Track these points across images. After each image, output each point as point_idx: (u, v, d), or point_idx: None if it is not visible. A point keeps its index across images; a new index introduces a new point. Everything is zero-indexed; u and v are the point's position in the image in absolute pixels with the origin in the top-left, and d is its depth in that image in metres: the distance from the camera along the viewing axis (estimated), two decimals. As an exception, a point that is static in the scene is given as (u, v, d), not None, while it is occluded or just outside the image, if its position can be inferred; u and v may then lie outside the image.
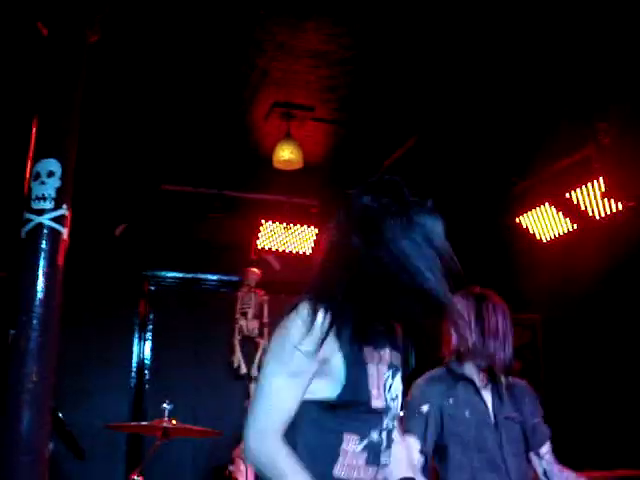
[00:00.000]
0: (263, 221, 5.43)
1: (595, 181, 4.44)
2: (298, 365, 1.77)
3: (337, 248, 1.94)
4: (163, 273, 5.72)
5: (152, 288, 5.68)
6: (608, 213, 4.55)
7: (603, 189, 4.17)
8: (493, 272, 6.24)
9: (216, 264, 5.78)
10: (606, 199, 4.36)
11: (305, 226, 5.54)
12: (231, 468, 4.34)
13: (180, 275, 5.75)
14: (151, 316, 5.61)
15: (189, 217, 5.61)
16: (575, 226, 4.97)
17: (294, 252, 5.62)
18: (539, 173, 5.09)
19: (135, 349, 5.50)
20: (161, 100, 4.51)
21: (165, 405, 3.60)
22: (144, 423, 3.94)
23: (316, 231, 5.54)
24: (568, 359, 6.37)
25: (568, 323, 6.42)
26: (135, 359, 5.49)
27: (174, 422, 3.63)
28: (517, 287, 6.25)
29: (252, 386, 5.51)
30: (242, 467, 4.18)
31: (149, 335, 5.56)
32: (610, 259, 5.65)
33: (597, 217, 4.69)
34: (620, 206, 4.35)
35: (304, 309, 1.83)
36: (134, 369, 5.47)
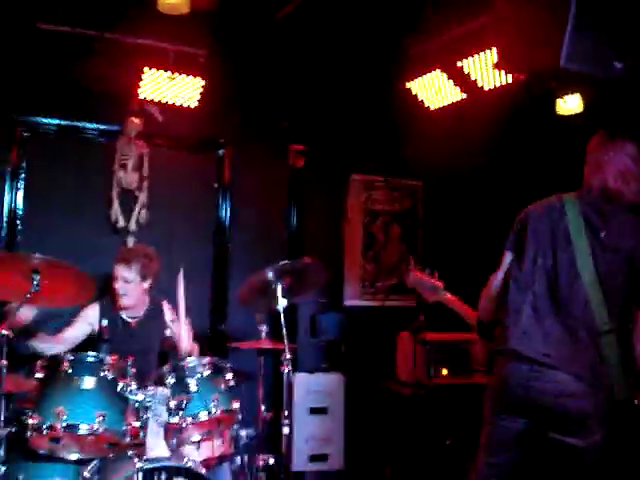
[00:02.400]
0: (146, 68, 5.13)
1: (488, 51, 4.41)
2: None
3: None
4: (38, 119, 5.36)
5: (25, 134, 5.33)
6: (497, 85, 4.56)
7: (495, 60, 4.15)
8: (379, 136, 6.28)
9: (95, 112, 5.46)
10: (497, 71, 4.36)
11: (191, 76, 5.28)
12: None
13: (56, 122, 5.40)
14: (24, 164, 5.29)
15: (66, 60, 5.24)
16: (464, 96, 4.97)
17: (178, 104, 5.38)
18: (433, 38, 5.01)
19: (6, 199, 5.20)
20: None
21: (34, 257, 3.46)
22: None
23: (202, 82, 5.30)
24: (446, 227, 6.58)
25: (449, 192, 6.58)
26: (6, 209, 5.20)
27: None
28: (402, 153, 6.34)
29: (129, 241, 5.40)
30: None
31: (21, 184, 5.26)
32: (495, 132, 5.76)
33: (486, 88, 4.70)
34: (510, 79, 4.36)
35: None
36: (4, 220, 5.19)
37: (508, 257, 3.25)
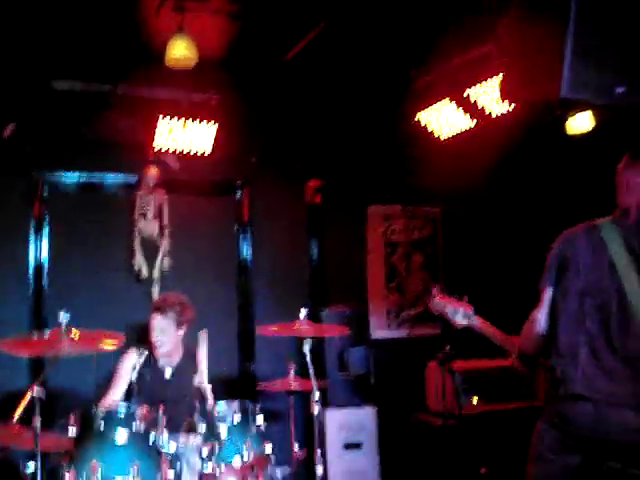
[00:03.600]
0: (160, 118, 5.23)
1: (494, 78, 4.46)
2: None
3: None
4: (57, 175, 5.48)
5: (46, 190, 5.45)
6: (505, 112, 4.59)
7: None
8: (394, 167, 6.32)
9: (113, 165, 5.57)
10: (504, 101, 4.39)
11: (205, 122, 5.37)
12: None
13: (76, 176, 5.52)
14: (47, 220, 5.40)
15: (82, 116, 5.36)
16: (473, 123, 5.00)
17: (193, 151, 5.46)
18: (439, 69, 5.07)
19: (32, 255, 5.31)
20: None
21: (62, 314, 3.51)
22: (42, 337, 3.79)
23: (216, 127, 5.39)
24: (467, 252, 6.59)
25: (467, 217, 6.60)
26: (32, 265, 5.31)
27: (74, 334, 3.56)
28: (417, 183, 6.38)
29: (154, 290, 5.47)
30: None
31: (45, 240, 5.36)
32: (508, 155, 5.79)
33: (494, 115, 4.74)
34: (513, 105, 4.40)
35: None
36: (31, 275, 5.30)
37: (549, 293, 3.18)
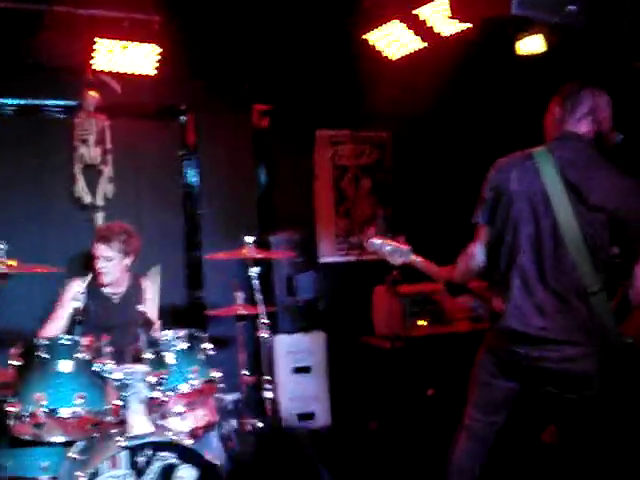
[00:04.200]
0: (97, 39, 5.01)
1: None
2: None
3: None
4: (-6, 100, 5.27)
5: (-19, 116, 5.23)
6: (455, 32, 4.50)
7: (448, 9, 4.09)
8: (342, 91, 6.21)
9: (52, 89, 5.34)
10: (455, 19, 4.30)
11: (146, 44, 5.17)
12: None
13: (13, 101, 5.30)
14: (-17, 147, 5.20)
15: (17, 37, 5.10)
16: (424, 44, 4.90)
17: (135, 73, 5.27)
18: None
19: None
20: None
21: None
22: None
23: (159, 49, 5.20)
24: (416, 177, 6.57)
25: (416, 141, 6.56)
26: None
27: (11, 263, 3.47)
28: (366, 106, 6.28)
29: (97, 217, 5.34)
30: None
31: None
32: (458, 77, 5.72)
33: (444, 35, 4.65)
34: (466, 25, 4.31)
35: None
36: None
37: (485, 227, 3.21)
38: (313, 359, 5.74)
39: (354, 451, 5.03)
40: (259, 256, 4.43)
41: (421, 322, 5.39)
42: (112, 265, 4.38)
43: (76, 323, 4.12)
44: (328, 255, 6.41)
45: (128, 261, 4.45)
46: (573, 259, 2.95)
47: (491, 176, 3.21)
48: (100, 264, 4.37)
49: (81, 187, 5.33)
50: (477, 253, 3.25)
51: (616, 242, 3.01)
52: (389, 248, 3.50)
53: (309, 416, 5.66)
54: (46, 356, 3.39)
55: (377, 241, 3.53)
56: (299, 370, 5.68)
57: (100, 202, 5.38)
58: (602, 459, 3.01)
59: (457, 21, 4.30)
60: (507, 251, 3.12)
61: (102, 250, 4.36)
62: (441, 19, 4.56)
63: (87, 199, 5.34)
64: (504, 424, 3.25)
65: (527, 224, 3.05)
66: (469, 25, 4.25)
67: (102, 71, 5.18)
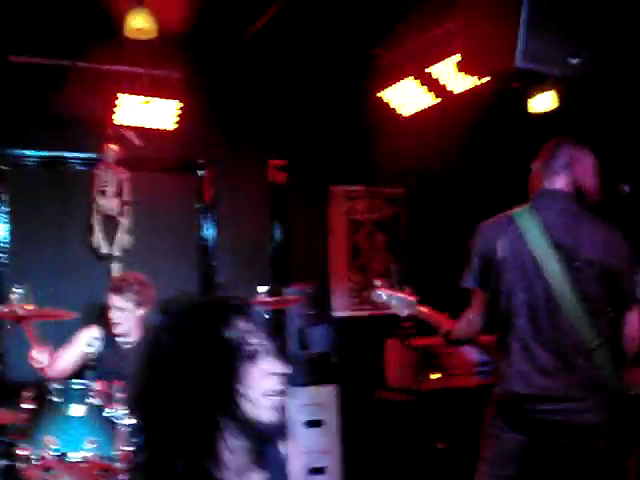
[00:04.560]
0: (120, 94, 5.17)
1: (454, 56, 4.46)
2: None
3: None
4: (17, 152, 5.40)
5: (5, 168, 5.36)
6: (466, 88, 4.60)
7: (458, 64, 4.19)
8: (357, 147, 6.32)
9: (74, 142, 5.48)
10: (463, 74, 4.40)
11: (166, 99, 5.32)
12: None
13: (35, 153, 5.45)
14: (6, 197, 5.32)
15: (41, 91, 5.27)
16: (436, 100, 5.01)
17: (155, 127, 5.41)
18: (402, 47, 5.06)
19: (-11, 232, 5.26)
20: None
21: (15, 290, 3.49)
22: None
23: (179, 104, 5.34)
24: (430, 232, 6.61)
25: (430, 196, 6.62)
26: (-10, 243, 5.25)
27: (27, 307, 3.54)
28: (380, 162, 6.38)
29: (114, 267, 5.42)
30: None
31: (5, 217, 5.29)
32: (471, 134, 5.81)
33: (456, 92, 4.75)
34: (476, 81, 4.41)
35: None
36: (-11, 253, 5.25)
37: (479, 293, 3.22)
38: (325, 413, 5.71)
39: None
40: (271, 304, 4.47)
41: (433, 375, 5.36)
42: (125, 316, 4.41)
43: (89, 369, 4.17)
44: (341, 309, 6.42)
45: (142, 311, 4.48)
46: (569, 318, 2.95)
47: (476, 242, 3.23)
48: (113, 314, 4.41)
49: (99, 237, 5.43)
50: (475, 320, 3.26)
51: (610, 298, 3.02)
52: (395, 299, 3.53)
53: (320, 471, 5.60)
54: (58, 400, 3.44)
55: (383, 292, 3.56)
56: (310, 424, 5.66)
57: (117, 252, 5.46)
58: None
59: (467, 76, 4.41)
60: (503, 316, 3.13)
61: (115, 300, 4.40)
62: (453, 76, 4.67)
63: (104, 249, 5.44)
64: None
65: (520, 291, 3.06)
66: (479, 81, 4.34)
67: (123, 125, 5.33)
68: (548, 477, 3.10)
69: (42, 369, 4.09)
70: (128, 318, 4.42)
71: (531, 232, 3.05)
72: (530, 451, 3.12)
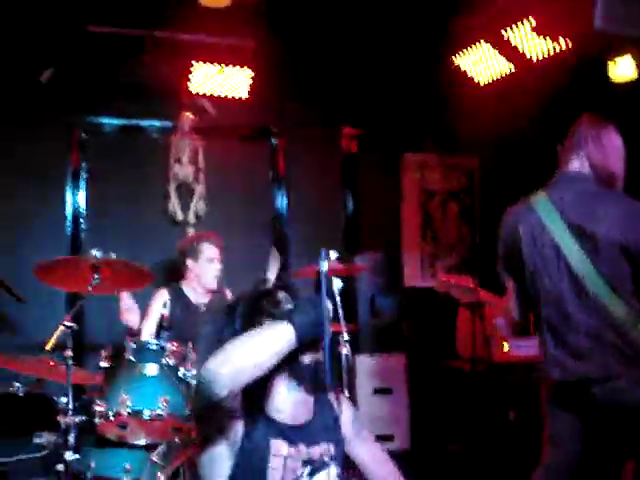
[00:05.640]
0: (194, 62, 5.23)
1: (531, 19, 4.34)
2: None
3: None
4: (94, 120, 5.54)
5: (83, 136, 5.50)
6: (544, 55, 4.47)
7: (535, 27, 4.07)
8: (431, 115, 6.24)
9: (150, 109, 5.60)
10: (542, 40, 4.27)
11: (240, 68, 5.36)
12: None
13: (112, 122, 5.57)
14: (84, 165, 5.47)
15: (118, 60, 5.37)
16: (513, 68, 4.89)
17: (229, 96, 5.46)
18: (478, 12, 4.95)
19: (69, 199, 5.40)
20: None
21: (94, 252, 3.58)
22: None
23: (252, 73, 5.37)
24: (505, 203, 6.48)
25: (505, 166, 6.49)
26: (70, 209, 5.40)
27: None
28: (455, 130, 6.27)
29: (189, 232, 5.52)
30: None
31: (83, 185, 5.45)
32: (549, 103, 5.65)
33: (534, 59, 4.62)
34: (555, 48, 4.28)
35: None
36: (69, 219, 5.40)
37: (511, 282, 3.19)
38: (394, 381, 5.73)
39: (433, 474, 4.98)
40: (342, 272, 4.48)
41: (505, 346, 5.30)
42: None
43: (163, 329, 4.28)
44: (413, 279, 6.39)
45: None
46: (596, 298, 2.87)
47: (502, 228, 3.22)
48: (220, 266, 4.63)
49: (174, 204, 5.54)
50: (514, 308, 3.23)
51: (636, 276, 2.92)
52: (456, 286, 3.54)
53: (388, 438, 5.63)
54: (133, 359, 3.54)
55: (444, 281, 3.58)
56: (379, 391, 5.68)
57: (192, 219, 5.57)
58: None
59: (547, 42, 4.28)
60: (532, 303, 3.09)
61: (219, 253, 4.63)
62: (531, 42, 4.54)
63: (179, 216, 5.54)
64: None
65: (544, 277, 2.99)
66: (557, 46, 4.22)
67: (198, 94, 5.40)
68: (608, 457, 3.05)
69: (131, 329, 4.27)
70: None
71: (549, 219, 2.98)
72: (585, 432, 3.05)
